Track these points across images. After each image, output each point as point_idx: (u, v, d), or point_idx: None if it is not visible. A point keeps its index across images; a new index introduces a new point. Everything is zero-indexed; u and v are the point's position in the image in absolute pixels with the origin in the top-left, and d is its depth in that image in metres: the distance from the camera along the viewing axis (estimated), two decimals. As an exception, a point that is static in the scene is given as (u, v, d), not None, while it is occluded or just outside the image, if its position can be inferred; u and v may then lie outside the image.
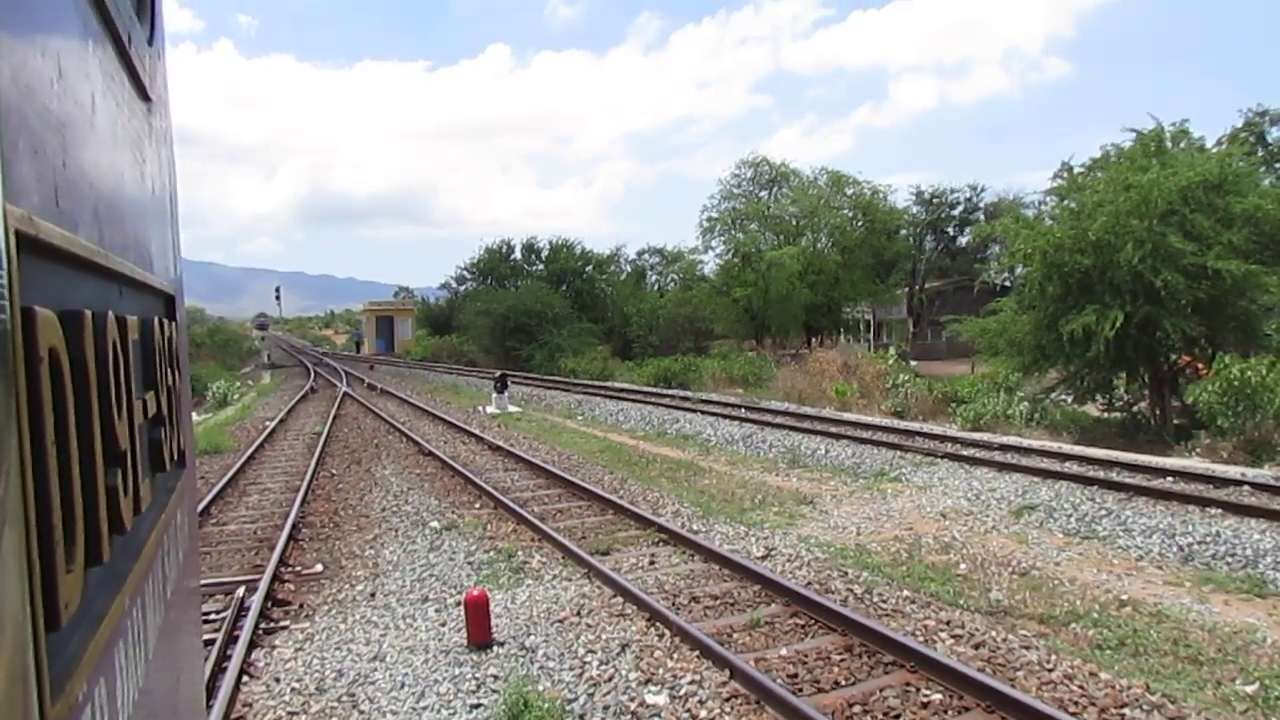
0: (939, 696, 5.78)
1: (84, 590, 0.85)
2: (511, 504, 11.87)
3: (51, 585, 0.74)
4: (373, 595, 8.64)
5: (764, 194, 55.49)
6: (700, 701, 5.89)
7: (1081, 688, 5.95)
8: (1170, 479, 12.25)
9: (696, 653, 6.62)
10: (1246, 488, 11.44)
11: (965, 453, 14.98)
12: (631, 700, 5.96)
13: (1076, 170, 27.93)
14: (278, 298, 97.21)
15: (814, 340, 53.93)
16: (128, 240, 1.32)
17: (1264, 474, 12.65)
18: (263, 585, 8.49)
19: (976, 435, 17.91)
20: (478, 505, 12.57)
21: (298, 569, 9.60)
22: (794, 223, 51.53)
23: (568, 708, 5.91)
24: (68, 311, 0.87)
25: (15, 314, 0.69)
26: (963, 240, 61.92)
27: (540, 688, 6.23)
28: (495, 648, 7.03)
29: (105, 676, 0.95)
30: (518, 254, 68.38)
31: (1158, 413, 22.57)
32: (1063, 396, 25.71)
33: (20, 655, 0.64)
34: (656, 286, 68.79)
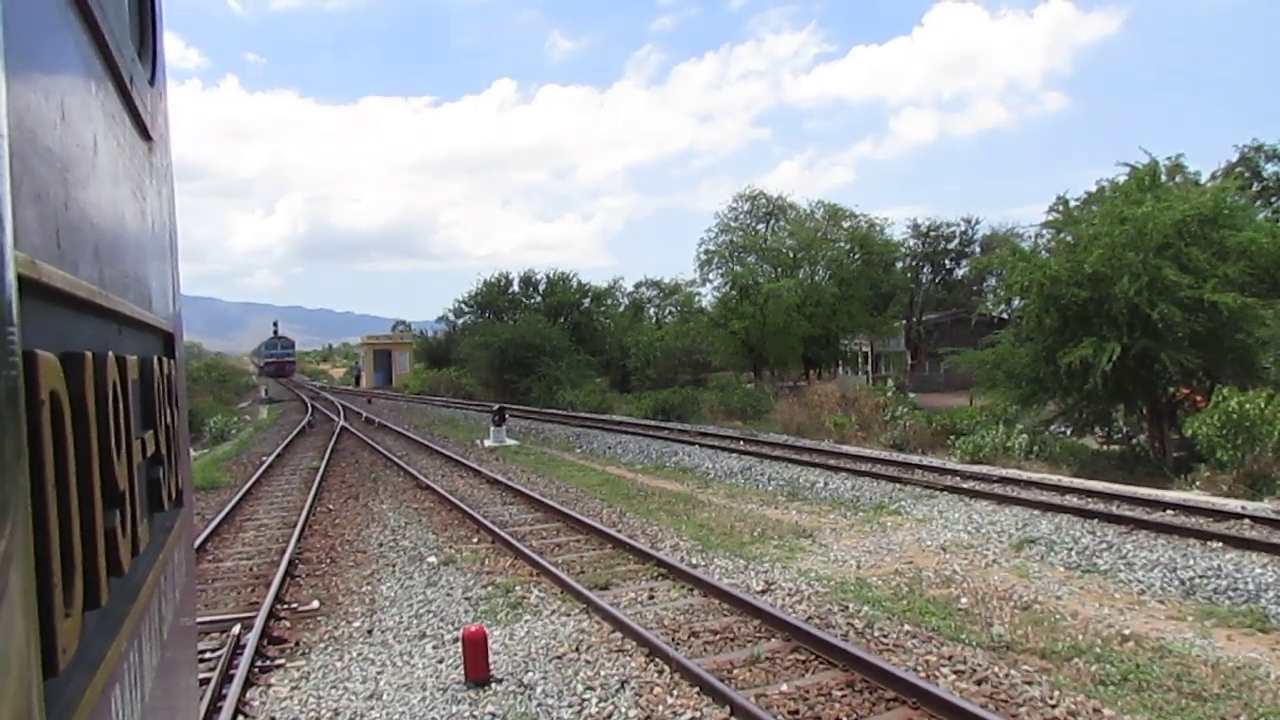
0: (942, 734, 5.72)
1: (82, 634, 0.84)
2: (509, 538, 11.80)
3: (50, 630, 0.73)
4: (370, 632, 8.56)
5: (761, 227, 55.68)
6: (700, 739, 5.82)
7: (1085, 724, 5.89)
8: (1170, 512, 12.21)
9: (696, 689, 6.55)
10: (1247, 521, 11.39)
11: (965, 485, 14.93)
12: (631, 738, 5.89)
13: (1072, 204, 28.12)
14: (275, 332, 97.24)
15: (812, 372, 53.88)
16: (128, 279, 1.33)
17: (1264, 507, 12.59)
18: (258, 623, 8.41)
19: (976, 468, 17.86)
20: (475, 540, 12.50)
21: (294, 606, 9.51)
22: (791, 255, 51.67)
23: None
24: (68, 353, 0.87)
25: (19, 360, 0.68)
26: (959, 272, 62.19)
27: (538, 726, 6.16)
28: (493, 684, 6.96)
29: None
30: (515, 287, 68.44)
31: (1157, 445, 22.54)
32: (1061, 429, 25.69)
33: (25, 700, 0.64)
34: (654, 319, 68.83)
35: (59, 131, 0.90)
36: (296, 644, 8.29)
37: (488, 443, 25.86)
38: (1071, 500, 13.31)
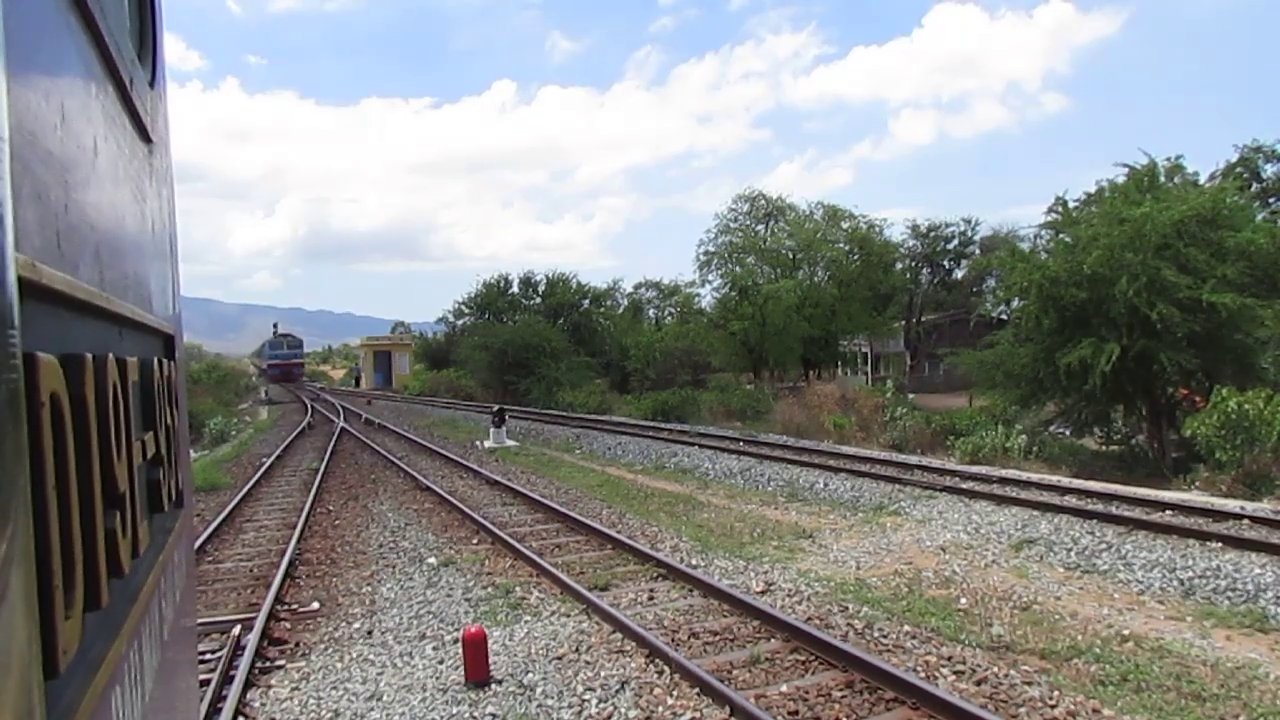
0: (941, 734, 5.72)
1: (82, 635, 0.84)
2: (509, 539, 11.80)
3: (50, 632, 0.74)
4: (370, 633, 8.56)
5: (760, 228, 55.70)
6: (700, 740, 5.82)
7: (1085, 724, 5.89)
8: (1169, 512, 12.21)
9: (696, 690, 6.55)
10: (1246, 521, 11.39)
11: (964, 486, 14.93)
12: (630, 739, 5.89)
13: (1071, 204, 28.14)
14: (276, 331, 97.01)
15: (811, 373, 53.87)
16: (128, 281, 1.33)
17: (1263, 507, 12.60)
18: (259, 624, 8.41)
19: (975, 468, 17.86)
20: (475, 541, 12.49)
21: (294, 607, 9.52)
22: (790, 256, 51.71)
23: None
24: (69, 355, 0.87)
25: (20, 362, 0.69)
26: (959, 273, 62.26)
27: (538, 727, 6.16)
28: (493, 685, 6.96)
29: None
30: (515, 288, 68.38)
31: (1156, 445, 22.56)
32: (1060, 429, 25.71)
33: (25, 701, 0.64)
34: (654, 320, 68.82)
35: (59, 134, 0.91)
36: (296, 645, 8.29)
37: (487, 444, 25.85)
38: (1070, 501, 13.31)
